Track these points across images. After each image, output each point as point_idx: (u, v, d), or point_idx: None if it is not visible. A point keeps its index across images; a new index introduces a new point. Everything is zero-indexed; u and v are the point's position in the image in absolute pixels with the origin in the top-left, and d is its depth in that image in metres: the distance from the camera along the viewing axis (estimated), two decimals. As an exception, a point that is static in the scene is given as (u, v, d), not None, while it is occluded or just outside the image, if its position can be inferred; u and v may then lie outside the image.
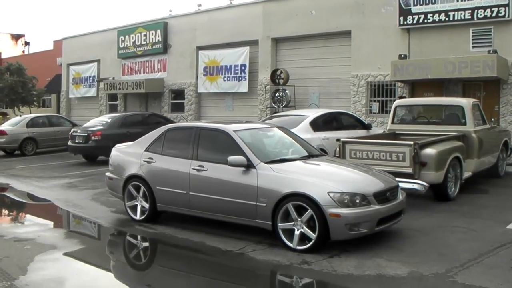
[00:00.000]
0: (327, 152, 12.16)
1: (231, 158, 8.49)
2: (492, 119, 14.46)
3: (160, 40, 27.99)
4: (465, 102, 13.05)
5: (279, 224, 8.01)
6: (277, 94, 22.05)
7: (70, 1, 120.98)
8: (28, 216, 12.05)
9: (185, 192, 9.21)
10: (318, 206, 7.59)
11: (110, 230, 10.09)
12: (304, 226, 7.78)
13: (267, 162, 8.50)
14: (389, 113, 14.37)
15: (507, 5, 16.62)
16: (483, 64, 15.83)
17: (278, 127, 10.49)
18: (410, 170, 10.66)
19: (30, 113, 31.67)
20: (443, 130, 12.61)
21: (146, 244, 9.19)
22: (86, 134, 19.56)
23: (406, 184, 10.02)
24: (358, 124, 15.85)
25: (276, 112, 20.37)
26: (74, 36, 34.86)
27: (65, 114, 32.89)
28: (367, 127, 15.76)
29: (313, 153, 9.62)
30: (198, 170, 9.07)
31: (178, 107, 27.51)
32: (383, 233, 8.44)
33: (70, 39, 35.02)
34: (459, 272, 6.87)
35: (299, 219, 7.80)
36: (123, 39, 30.19)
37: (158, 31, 28.09)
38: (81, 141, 19.69)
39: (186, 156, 9.38)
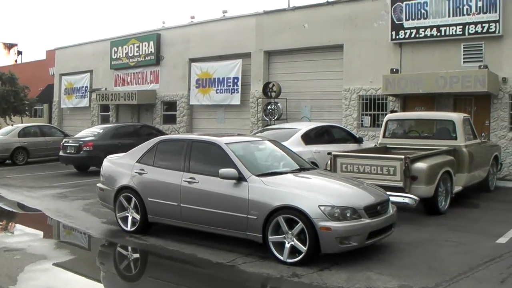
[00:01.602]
0: (318, 165, 12.19)
1: (223, 170, 8.52)
2: (483, 134, 14.56)
3: (153, 51, 28.01)
4: (456, 116, 13.15)
5: (270, 237, 8.02)
6: (269, 107, 22.08)
7: (64, 11, 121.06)
8: (18, 226, 11.99)
9: (176, 204, 9.21)
10: (308, 219, 7.61)
11: (101, 241, 10.09)
12: (294, 239, 7.80)
13: (258, 175, 8.52)
14: (381, 127, 14.43)
15: (498, 21, 16.75)
16: (474, 79, 15.93)
17: (270, 140, 10.53)
18: (401, 184, 10.71)
19: (22, 122, 31.57)
20: (434, 145, 12.70)
21: (137, 255, 9.18)
22: (77, 145, 19.55)
23: (396, 198, 10.04)
24: (349, 137, 15.91)
25: (268, 125, 20.40)
26: (67, 46, 34.81)
27: (56, 124, 32.81)
28: (359, 140, 15.82)
29: (304, 167, 9.65)
30: (189, 182, 9.09)
31: (170, 119, 27.49)
32: (373, 247, 8.46)
33: (63, 49, 35.00)
34: (448, 286, 6.90)
35: (290, 232, 7.82)
36: (116, 50, 30.20)
37: (151, 42, 28.12)
38: (72, 152, 19.67)
39: (178, 168, 9.40)
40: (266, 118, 22.27)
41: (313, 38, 21.34)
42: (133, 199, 9.90)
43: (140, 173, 9.88)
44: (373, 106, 19.96)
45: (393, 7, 18.86)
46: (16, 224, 12.31)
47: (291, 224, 7.83)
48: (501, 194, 14.57)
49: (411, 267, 7.73)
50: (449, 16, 17.67)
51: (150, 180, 9.73)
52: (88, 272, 8.19)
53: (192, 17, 27.68)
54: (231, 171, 8.50)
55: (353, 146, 15.06)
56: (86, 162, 19.98)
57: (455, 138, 12.71)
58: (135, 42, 29.08)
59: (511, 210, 12.33)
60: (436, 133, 13.63)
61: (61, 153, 20.29)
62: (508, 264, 7.86)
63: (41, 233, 11.27)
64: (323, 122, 17.14)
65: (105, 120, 30.92)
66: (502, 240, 9.33)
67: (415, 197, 10.47)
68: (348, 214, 7.70)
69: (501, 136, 16.99)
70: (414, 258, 8.21)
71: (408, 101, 19.10)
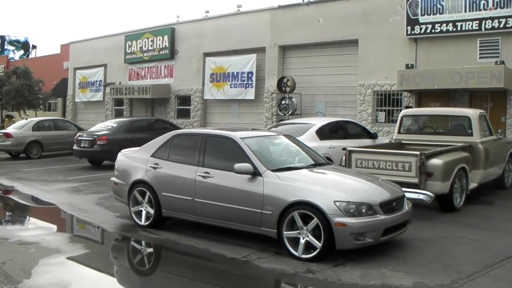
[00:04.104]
0: (332, 160, 12.14)
1: (238, 165, 8.49)
2: (499, 130, 14.43)
3: (167, 46, 28.06)
4: (472, 112, 13.02)
5: (285, 232, 7.99)
6: (283, 102, 22.05)
7: (78, 5, 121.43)
8: (33, 220, 12.07)
9: (190, 198, 9.19)
10: (324, 215, 7.57)
11: (115, 235, 10.10)
12: (309, 234, 7.76)
13: (273, 170, 8.49)
14: (395, 122, 14.34)
15: (515, 16, 16.61)
16: (490, 75, 15.82)
17: (285, 135, 10.48)
18: (416, 180, 10.62)
19: (36, 116, 31.71)
20: (450, 141, 12.57)
21: (150, 249, 9.18)
22: (91, 139, 19.59)
23: (412, 194, 9.93)
24: (364, 133, 15.83)
25: (282, 120, 20.37)
26: (81, 40, 34.99)
27: (70, 118, 32.97)
28: (373, 136, 15.74)
29: (319, 162, 9.60)
30: (204, 176, 9.06)
31: (184, 113, 27.54)
32: (388, 243, 8.39)
33: (77, 43, 35.16)
34: (464, 284, 6.84)
35: (305, 228, 7.78)
36: (130, 44, 30.28)
37: (166, 36, 28.16)
38: (86, 146, 19.72)
39: (192, 162, 9.38)
40: (280, 113, 22.24)
41: (328, 33, 21.28)
42: (147, 193, 9.89)
43: (154, 168, 9.87)
44: (387, 101, 19.89)
45: (408, 2, 18.78)
46: (30, 218, 12.41)
47: (306, 219, 7.79)
48: (516, 191, 14.42)
49: (426, 264, 7.66)
50: (465, 11, 17.56)
51: (164, 175, 9.71)
52: (102, 266, 8.19)
53: (207, 12, 27.76)
54: (246, 166, 8.46)
55: (367, 141, 14.98)
56: (100, 156, 20.01)
57: (471, 135, 12.58)
58: (149, 36, 29.13)
59: (527, 208, 12.23)
60: (451, 129, 13.50)
61: (75, 147, 20.33)
62: (524, 262, 7.78)
63: (55, 227, 11.32)
64: (337, 118, 17.07)
65: (119, 114, 31.02)
66: (518, 238, 9.25)
67: (430, 194, 10.36)
68: (363, 210, 7.65)
69: (517, 132, 16.84)
70: (429, 255, 8.14)
71: (423, 97, 18.99)
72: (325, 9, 21.62)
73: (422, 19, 18.46)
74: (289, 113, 21.75)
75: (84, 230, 11.00)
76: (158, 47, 28.61)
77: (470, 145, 12.32)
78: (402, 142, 13.44)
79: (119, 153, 11.10)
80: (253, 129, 11.25)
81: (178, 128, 21.06)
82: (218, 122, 25.70)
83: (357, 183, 8.59)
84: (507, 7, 16.74)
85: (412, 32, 18.77)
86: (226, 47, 25.31)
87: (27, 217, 12.52)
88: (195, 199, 9.14)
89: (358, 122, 17.65)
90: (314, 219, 7.66)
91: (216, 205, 8.85)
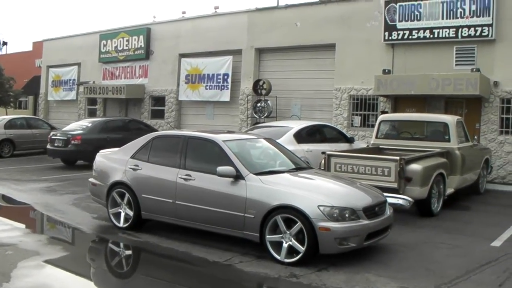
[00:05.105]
0: (310, 164, 12.15)
1: (220, 168, 8.43)
2: (475, 137, 14.62)
3: (143, 46, 27.83)
4: (450, 119, 13.17)
5: (267, 236, 7.96)
6: (258, 105, 22.01)
7: (51, 2, 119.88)
8: (8, 220, 11.74)
9: (171, 201, 9.11)
10: (307, 219, 7.56)
11: (93, 237, 9.95)
12: (292, 239, 7.74)
13: (256, 174, 8.46)
14: (371, 127, 14.44)
15: (491, 25, 16.81)
16: (466, 82, 15.99)
17: (266, 139, 10.45)
18: (395, 185, 10.70)
19: (6, 114, 31.22)
20: (427, 146, 12.72)
21: (129, 252, 9.09)
22: (66, 138, 19.35)
23: (391, 199, 9.97)
24: (341, 137, 15.89)
25: (257, 123, 20.32)
26: (55, 38, 34.48)
27: (42, 117, 32.44)
28: (350, 140, 15.79)
29: (301, 166, 9.61)
30: (185, 179, 8.99)
31: (158, 114, 27.33)
32: (369, 248, 8.42)
33: (51, 41, 34.66)
34: (448, 289, 6.89)
35: (288, 232, 7.76)
36: (105, 43, 29.97)
37: (141, 36, 27.93)
38: (60, 145, 19.47)
39: (173, 164, 9.30)
40: (255, 116, 22.18)
41: (305, 37, 21.28)
42: (127, 195, 9.79)
43: (134, 169, 9.77)
44: (363, 106, 19.97)
45: (386, 8, 18.87)
46: (5, 218, 12.08)
47: (289, 224, 7.78)
48: (490, 196, 14.65)
49: (409, 269, 7.71)
50: (442, 19, 17.70)
51: (144, 176, 9.62)
52: (81, 269, 8.08)
53: (184, 12, 27.55)
54: (229, 169, 8.42)
55: (344, 145, 15.01)
56: (74, 156, 19.79)
57: (448, 141, 12.72)
58: (124, 35, 28.88)
59: (502, 213, 12.41)
60: (429, 135, 13.64)
61: (48, 146, 20.07)
62: (504, 267, 7.87)
63: (31, 228, 11.12)
64: (314, 121, 17.09)
65: (92, 113, 30.67)
66: (496, 243, 9.36)
67: (409, 199, 10.45)
68: (347, 215, 7.66)
69: (491, 139, 17.05)
70: (411, 260, 8.20)
71: (399, 102, 19.12)
72: (303, 13, 21.62)
73: (399, 25, 18.58)
74: (265, 115, 21.69)
75: (62, 232, 10.79)
76: (133, 47, 28.37)
77: (447, 151, 12.45)
78: (380, 147, 13.52)
79: (98, 154, 10.95)
80: (228, 132, 11.24)
81: (153, 129, 20.94)
82: (193, 124, 25.56)
83: (340, 188, 8.60)
84: (483, 16, 16.94)
85: (390, 38, 18.88)
86: (202, 49, 25.17)
87: (1, 217, 12.23)
88: (176, 202, 9.06)
89: (335, 126, 17.70)
90: (298, 223, 7.64)
91: (198, 208, 8.78)
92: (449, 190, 12.28)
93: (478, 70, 16.36)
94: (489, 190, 15.41)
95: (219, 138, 9.21)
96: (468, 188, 13.87)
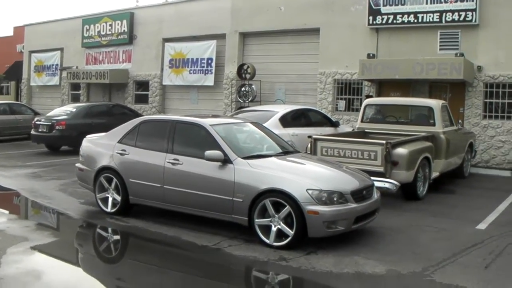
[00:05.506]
0: (296, 148, 12.19)
1: (208, 152, 8.44)
2: (459, 121, 14.73)
3: (126, 30, 27.59)
4: (435, 103, 13.25)
5: (256, 220, 8.00)
6: (243, 89, 21.96)
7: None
8: (-6, 206, 11.74)
9: (159, 185, 9.11)
10: (296, 203, 7.61)
11: (80, 222, 9.93)
12: (281, 222, 7.79)
13: (244, 158, 8.48)
14: (355, 111, 14.49)
15: (475, 10, 16.87)
16: (450, 66, 16.05)
17: (252, 123, 10.46)
18: (381, 169, 10.78)
19: (-12, 100, 30.87)
20: (412, 130, 12.79)
21: (117, 237, 9.07)
22: (50, 123, 19.18)
23: (378, 182, 10.01)
24: (326, 121, 15.92)
25: (242, 107, 20.31)
26: (37, 23, 34.11)
27: (25, 102, 32.13)
28: (335, 124, 15.84)
29: (288, 150, 9.64)
30: (173, 163, 8.99)
31: (142, 99, 27.18)
32: (357, 231, 8.48)
33: (32, 26, 34.26)
34: (435, 271, 6.98)
35: (277, 216, 7.80)
36: (87, 28, 29.68)
37: (124, 21, 27.69)
38: (44, 130, 19.31)
39: (161, 149, 9.29)
40: (240, 100, 22.14)
41: (289, 21, 21.23)
42: (114, 180, 9.77)
43: (121, 154, 9.74)
44: (348, 90, 19.99)
45: (371, -8, 18.86)
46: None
47: (277, 207, 7.81)
48: (474, 180, 14.79)
49: (396, 252, 7.79)
50: (426, 3, 17.72)
51: (132, 161, 9.60)
52: (70, 254, 8.09)
53: (167, -3, 27.36)
54: (217, 153, 8.43)
55: (329, 129, 15.05)
56: (59, 141, 19.64)
57: (433, 125, 12.82)
58: (107, 20, 28.61)
59: (486, 196, 12.53)
60: (414, 119, 13.72)
61: (32, 132, 19.89)
62: (490, 250, 7.97)
63: (18, 214, 11.09)
64: (299, 105, 17.11)
65: (75, 99, 30.43)
66: (482, 226, 9.47)
67: (396, 182, 10.55)
68: (335, 199, 7.71)
69: (474, 123, 17.18)
70: (398, 244, 8.29)
71: (383, 86, 19.17)
72: (287, -3, 21.58)
73: (384, 9, 18.58)
74: (249, 100, 21.66)
75: (49, 217, 10.73)
76: (116, 31, 28.12)
77: (432, 135, 12.55)
78: (365, 131, 13.58)
79: (84, 139, 10.89)
80: (213, 116, 11.25)
81: (137, 113, 20.84)
82: (177, 108, 25.46)
83: (328, 172, 8.64)
84: (467, 1, 16.97)
85: (374, 22, 18.89)
86: (186, 33, 25.02)
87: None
88: (164, 186, 9.07)
89: (320, 110, 17.73)
90: (287, 207, 7.68)
91: (186, 192, 8.79)
92: (434, 174, 12.39)
93: (462, 54, 16.43)
94: (473, 174, 15.57)
95: (206, 122, 9.21)
96: (453, 172, 13.99)
